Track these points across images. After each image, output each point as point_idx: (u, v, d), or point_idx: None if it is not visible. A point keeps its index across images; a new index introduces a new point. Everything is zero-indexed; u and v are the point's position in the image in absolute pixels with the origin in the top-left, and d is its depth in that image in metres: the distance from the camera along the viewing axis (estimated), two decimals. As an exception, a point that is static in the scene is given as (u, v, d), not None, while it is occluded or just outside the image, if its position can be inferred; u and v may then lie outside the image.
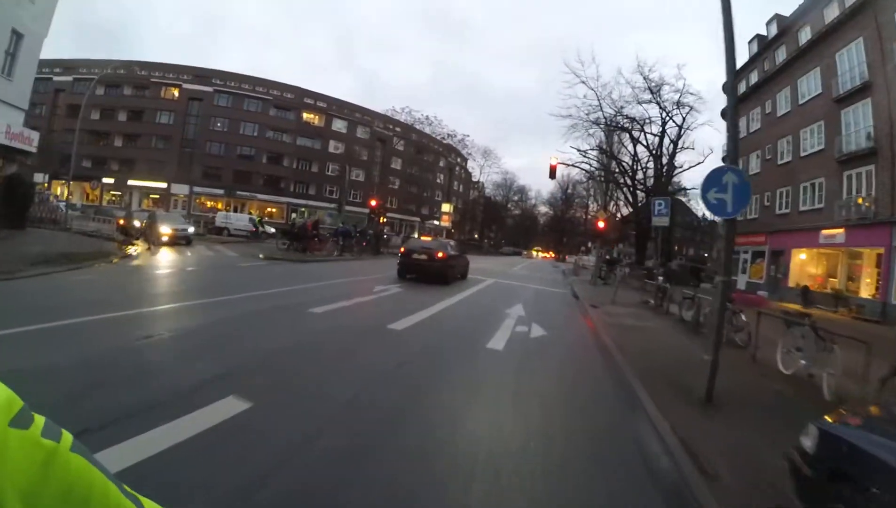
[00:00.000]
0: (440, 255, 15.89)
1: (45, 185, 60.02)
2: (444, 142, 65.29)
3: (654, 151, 35.38)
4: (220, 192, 61.38)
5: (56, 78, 61.88)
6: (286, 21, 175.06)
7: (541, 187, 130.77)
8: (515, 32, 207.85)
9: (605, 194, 68.67)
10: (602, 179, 40.97)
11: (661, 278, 16.69)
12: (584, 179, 56.17)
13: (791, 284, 27.28)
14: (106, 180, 56.51)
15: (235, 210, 59.52)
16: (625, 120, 34.69)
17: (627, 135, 37.12)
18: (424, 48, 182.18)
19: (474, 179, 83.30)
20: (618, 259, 34.30)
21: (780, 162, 29.44)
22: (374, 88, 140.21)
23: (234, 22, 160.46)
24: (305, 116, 65.48)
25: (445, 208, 61.94)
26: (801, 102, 27.90)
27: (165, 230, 23.75)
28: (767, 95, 31.52)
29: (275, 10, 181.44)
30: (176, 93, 62.55)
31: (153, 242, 22.71)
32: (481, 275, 22.41)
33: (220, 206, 60.36)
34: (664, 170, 35.09)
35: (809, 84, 27.24)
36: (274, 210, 62.70)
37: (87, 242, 18.80)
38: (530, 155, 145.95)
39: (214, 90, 62.31)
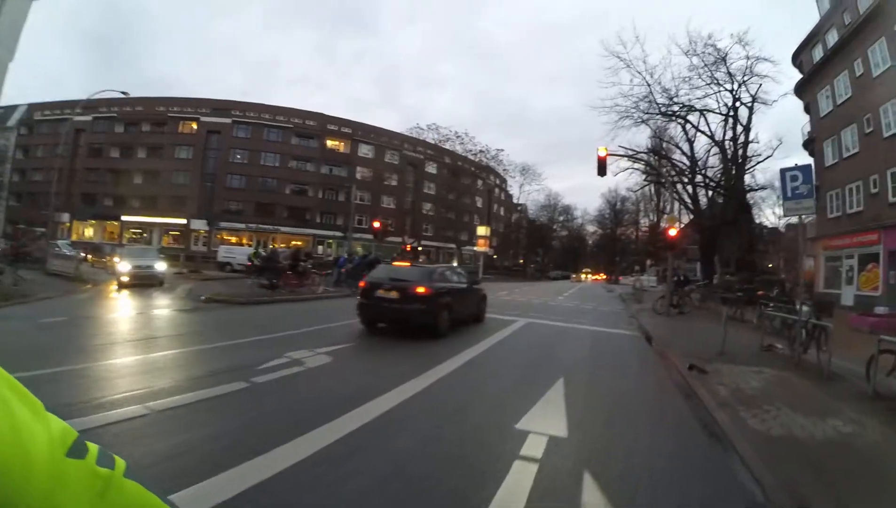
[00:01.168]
0: (420, 290, 9.47)
1: (68, 225, 59.01)
2: (476, 159, 59.34)
3: (719, 141, 28.33)
4: (242, 226, 57.45)
5: (76, 118, 60.19)
6: (330, 66, 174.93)
7: (587, 206, 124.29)
8: (553, 58, 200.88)
9: (660, 196, 61.58)
10: (656, 178, 34.05)
11: (804, 307, 9.83)
12: (635, 191, 49.06)
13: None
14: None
15: (259, 244, 56.67)
16: (681, 108, 27.89)
17: (681, 129, 30.35)
18: (466, 81, 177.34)
19: (516, 202, 76.53)
20: (688, 279, 27.19)
21: (886, 134, 21.89)
22: (419, 122, 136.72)
23: (282, 71, 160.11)
24: (329, 143, 61.23)
25: (481, 230, 54.93)
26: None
27: (123, 270, 18.84)
28: (855, 52, 24.05)
29: (320, 57, 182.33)
30: (194, 126, 59.56)
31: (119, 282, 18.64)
32: (511, 312, 16.00)
33: (244, 241, 57.04)
34: (736, 160, 27.96)
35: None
36: (300, 243, 57.99)
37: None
38: (575, 177, 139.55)
39: (233, 121, 58.98)
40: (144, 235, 58.61)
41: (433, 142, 55.79)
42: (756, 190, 30.75)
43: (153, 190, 58.31)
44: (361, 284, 10.22)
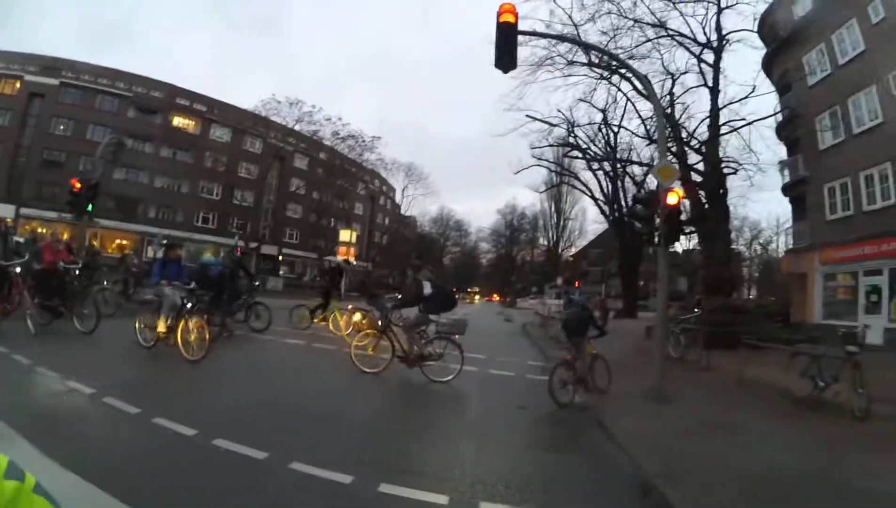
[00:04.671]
0: None
1: None
2: (347, 148, 50.32)
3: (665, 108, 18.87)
4: (54, 215, 47.37)
5: None
6: (226, 72, 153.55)
7: (482, 223, 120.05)
8: (458, 84, 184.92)
9: (561, 214, 55.21)
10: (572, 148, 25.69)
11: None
12: (541, 192, 42.63)
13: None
14: None
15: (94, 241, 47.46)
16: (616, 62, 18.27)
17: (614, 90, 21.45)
18: (367, 101, 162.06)
19: (405, 214, 68.45)
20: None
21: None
22: (275, 94, 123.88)
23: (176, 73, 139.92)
24: (176, 120, 51.64)
25: (344, 235, 45.88)
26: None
27: None
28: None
29: (216, 62, 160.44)
30: (18, 86, 48.97)
31: None
32: None
33: (65, 234, 47.47)
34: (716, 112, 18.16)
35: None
36: (125, 242, 48.44)
37: None
38: (473, 200, 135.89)
39: (61, 84, 48.68)
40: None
41: (295, 126, 46.64)
42: (735, 170, 19.52)
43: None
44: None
